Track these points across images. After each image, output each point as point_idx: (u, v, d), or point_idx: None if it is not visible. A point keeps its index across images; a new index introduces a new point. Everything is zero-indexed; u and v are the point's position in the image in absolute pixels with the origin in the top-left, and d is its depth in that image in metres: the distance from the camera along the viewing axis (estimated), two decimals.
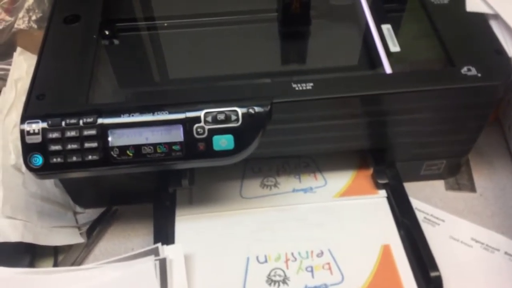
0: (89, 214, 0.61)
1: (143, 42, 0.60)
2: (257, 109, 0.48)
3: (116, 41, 0.58)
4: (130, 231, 0.60)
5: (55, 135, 0.47)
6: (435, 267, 0.51)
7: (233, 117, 0.48)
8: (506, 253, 0.56)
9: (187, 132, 0.48)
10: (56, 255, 0.57)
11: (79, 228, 0.59)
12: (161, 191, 0.57)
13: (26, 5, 0.66)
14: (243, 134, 0.48)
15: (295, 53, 0.59)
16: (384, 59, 0.53)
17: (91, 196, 0.60)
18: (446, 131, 0.55)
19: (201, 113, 0.48)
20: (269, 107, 0.48)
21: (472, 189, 0.62)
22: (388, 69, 0.52)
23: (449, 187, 0.62)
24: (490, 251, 0.56)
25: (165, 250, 0.52)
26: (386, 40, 0.55)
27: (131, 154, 0.48)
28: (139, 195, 0.60)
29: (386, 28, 0.56)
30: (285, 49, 0.59)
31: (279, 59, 0.58)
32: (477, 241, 0.57)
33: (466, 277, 0.54)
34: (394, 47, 0.55)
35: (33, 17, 0.66)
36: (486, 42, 0.53)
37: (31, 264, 0.55)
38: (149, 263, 0.50)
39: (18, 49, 0.65)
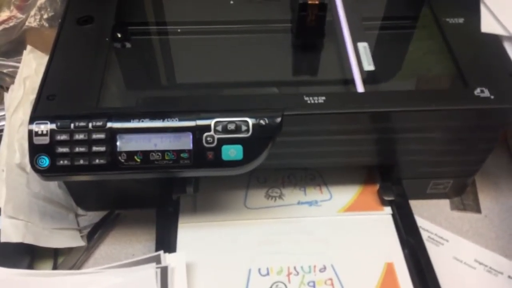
0: (91, 217, 0.60)
1: (155, 47, 0.60)
2: (267, 120, 0.48)
3: (128, 45, 0.58)
4: (132, 236, 0.59)
5: (63, 137, 0.47)
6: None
7: (243, 128, 0.47)
8: (509, 277, 0.55)
9: (197, 140, 0.47)
10: (56, 257, 0.56)
11: (80, 230, 0.59)
12: (165, 197, 0.57)
13: (38, 3, 0.65)
14: (253, 145, 0.48)
15: (308, 65, 0.59)
16: (357, 77, 0.52)
17: (94, 199, 0.60)
18: (455, 151, 0.55)
19: (211, 122, 0.47)
20: (280, 119, 0.48)
21: (477, 210, 0.62)
22: (360, 88, 0.51)
23: (454, 207, 0.62)
24: (493, 274, 0.56)
25: (167, 258, 0.51)
26: (361, 59, 0.55)
27: (139, 160, 0.47)
28: (142, 200, 0.59)
29: (363, 46, 0.56)
30: (298, 61, 0.59)
31: (291, 70, 0.57)
32: (480, 263, 0.57)
33: None
34: (369, 66, 0.54)
35: (45, 16, 0.66)
36: (500, 64, 0.53)
37: (30, 266, 0.55)
38: (150, 270, 0.50)
39: (28, 47, 0.65)
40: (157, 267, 0.50)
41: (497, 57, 0.54)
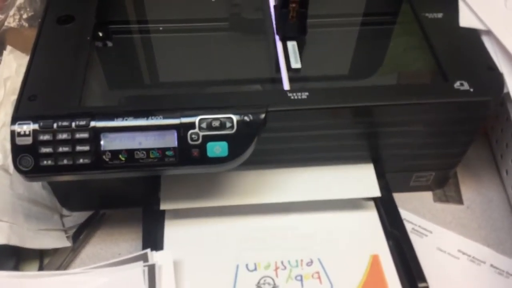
0: (76, 218, 0.60)
1: (137, 45, 0.60)
2: (252, 116, 0.48)
3: (110, 43, 0.58)
4: (118, 235, 0.59)
5: (46, 137, 0.46)
6: (423, 278, 0.51)
7: (228, 124, 0.48)
8: (492, 265, 0.57)
9: (181, 138, 0.47)
10: (41, 259, 0.56)
11: (65, 231, 0.58)
12: (151, 195, 0.57)
13: (17, 3, 0.65)
14: (238, 141, 0.48)
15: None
16: (284, 75, 0.53)
17: (79, 199, 0.59)
18: (437, 144, 0.56)
19: (196, 119, 0.47)
20: (264, 115, 0.48)
21: (460, 201, 0.63)
22: (286, 86, 0.52)
23: (437, 199, 0.63)
24: (476, 263, 0.57)
25: (154, 256, 0.51)
26: (289, 57, 0.55)
27: (123, 159, 0.47)
28: (128, 199, 0.59)
29: (291, 44, 0.56)
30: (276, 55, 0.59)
31: (274, 67, 0.58)
32: (464, 253, 0.58)
33: None
34: (296, 64, 0.55)
35: (24, 16, 0.65)
36: (479, 57, 0.54)
37: (16, 268, 0.54)
38: (138, 269, 0.50)
39: (8, 47, 0.64)
40: (144, 266, 0.50)
41: (475, 50, 0.55)
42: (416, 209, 0.62)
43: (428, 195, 0.63)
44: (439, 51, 0.54)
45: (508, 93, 0.52)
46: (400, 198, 0.60)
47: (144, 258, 0.51)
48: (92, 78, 0.53)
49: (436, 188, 0.64)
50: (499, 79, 0.52)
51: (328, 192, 0.56)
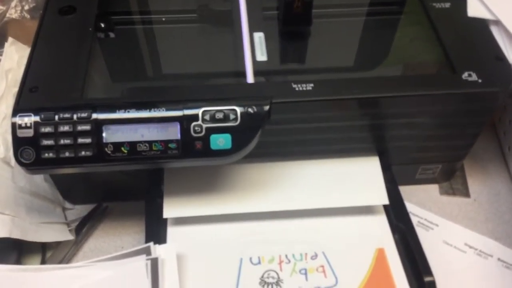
0: (78, 211, 0.60)
1: (140, 36, 0.59)
2: (256, 108, 0.47)
3: (112, 34, 0.57)
4: (121, 228, 0.59)
5: (47, 129, 0.46)
6: (429, 272, 0.51)
7: (232, 116, 0.47)
8: (499, 259, 0.56)
9: (184, 130, 0.47)
10: (44, 252, 0.55)
11: (68, 224, 0.58)
12: (154, 188, 0.56)
13: None
14: (241, 133, 0.47)
15: (295, 53, 0.58)
16: (248, 68, 0.52)
17: (81, 192, 0.59)
18: (444, 136, 0.55)
19: (199, 111, 0.47)
20: (268, 107, 0.47)
21: (466, 194, 0.62)
22: (250, 79, 0.51)
23: (443, 192, 0.62)
24: (483, 257, 0.56)
25: (157, 250, 0.51)
26: (255, 49, 0.54)
27: (125, 151, 0.47)
28: (130, 192, 0.59)
29: (258, 36, 0.55)
30: (285, 49, 0.58)
31: (279, 58, 0.57)
32: (470, 247, 0.57)
33: (459, 282, 0.54)
34: (262, 56, 0.54)
35: (26, 7, 0.64)
36: (487, 48, 0.53)
37: (18, 261, 0.54)
38: (141, 262, 0.49)
39: (10, 39, 0.64)
40: (147, 259, 0.50)
41: (483, 41, 0.54)
42: (422, 202, 0.61)
43: (434, 188, 0.63)
44: (446, 42, 0.53)
45: None
46: (406, 191, 0.59)
47: (147, 251, 0.50)
48: (94, 69, 0.52)
49: (443, 181, 0.63)
50: (507, 69, 0.51)
51: (334, 199, 0.55)
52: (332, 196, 0.55)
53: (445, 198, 0.62)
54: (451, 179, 0.63)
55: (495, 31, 0.55)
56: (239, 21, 0.55)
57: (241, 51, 0.53)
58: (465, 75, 0.50)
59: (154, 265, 0.49)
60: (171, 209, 0.54)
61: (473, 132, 0.56)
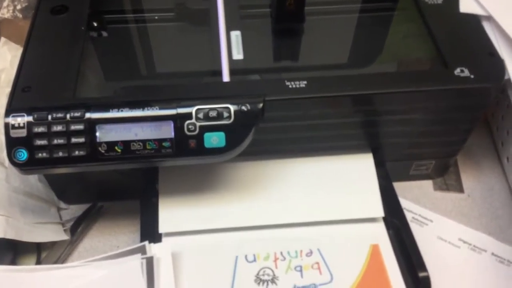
0: (73, 210, 0.59)
1: (132, 35, 0.59)
2: (249, 106, 0.47)
3: (104, 33, 0.57)
4: (116, 228, 0.59)
5: (41, 129, 0.46)
6: (423, 268, 0.51)
7: (225, 114, 0.47)
8: (493, 254, 0.56)
9: (178, 129, 0.47)
10: (39, 252, 0.55)
11: (63, 224, 0.58)
12: (149, 187, 0.56)
13: None
14: (235, 131, 0.47)
15: (288, 50, 0.58)
16: (224, 66, 0.52)
17: (76, 192, 0.59)
18: (437, 132, 0.55)
19: (193, 110, 0.47)
20: (261, 104, 0.47)
21: (460, 189, 0.63)
22: (226, 78, 0.51)
23: (437, 188, 0.63)
24: (477, 252, 0.56)
25: (152, 249, 0.51)
26: (232, 47, 0.54)
27: (119, 150, 0.47)
28: (125, 191, 0.59)
29: (235, 34, 0.55)
30: (278, 46, 0.58)
31: (271, 56, 0.57)
32: (464, 242, 0.57)
33: (453, 277, 0.54)
34: (238, 55, 0.54)
35: (18, 6, 0.64)
36: (479, 43, 0.53)
37: (13, 262, 0.54)
38: (136, 261, 0.49)
39: (2, 39, 0.64)
40: (142, 258, 0.50)
41: (476, 36, 0.54)
42: (416, 198, 0.61)
43: (428, 184, 0.63)
44: (439, 38, 0.54)
45: (509, 80, 0.51)
46: (400, 187, 0.59)
47: (142, 250, 0.50)
48: (87, 68, 0.52)
49: (437, 177, 0.63)
50: (500, 65, 0.51)
51: (329, 212, 0.55)
52: (328, 206, 0.55)
53: (439, 194, 0.62)
54: (445, 175, 0.64)
55: (487, 27, 0.55)
56: (217, 19, 0.55)
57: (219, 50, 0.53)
58: (457, 71, 0.50)
59: (150, 264, 0.49)
60: (166, 221, 0.54)
61: (466, 127, 0.56)
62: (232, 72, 0.51)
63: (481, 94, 0.51)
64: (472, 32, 0.54)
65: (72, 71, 0.50)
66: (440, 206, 0.61)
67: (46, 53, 0.51)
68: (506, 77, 0.51)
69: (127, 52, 0.57)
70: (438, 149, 0.59)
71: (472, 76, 0.50)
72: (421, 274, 0.50)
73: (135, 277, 0.48)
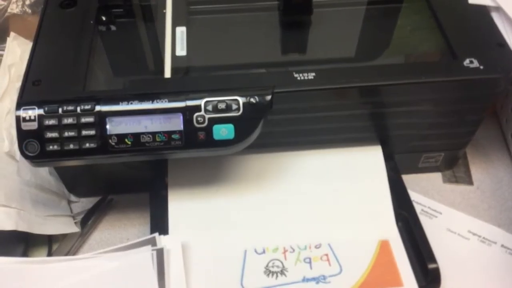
0: (83, 203, 0.60)
1: (141, 29, 0.59)
2: (258, 98, 0.47)
3: (113, 27, 0.57)
4: (126, 220, 0.59)
5: (51, 122, 0.46)
6: (433, 259, 0.51)
7: (234, 106, 0.47)
8: (503, 245, 0.56)
9: (187, 121, 0.47)
10: (50, 245, 0.56)
11: (73, 217, 0.58)
12: (158, 180, 0.56)
13: None
14: (244, 123, 0.47)
15: (296, 42, 0.58)
16: (167, 62, 0.52)
17: (86, 185, 0.59)
18: (446, 123, 0.55)
19: (202, 102, 0.47)
20: (270, 96, 0.48)
21: (469, 182, 0.62)
22: (167, 74, 0.51)
23: (446, 180, 0.63)
24: (487, 244, 0.56)
25: (162, 240, 0.51)
26: (176, 44, 0.54)
27: (129, 143, 0.47)
28: (135, 184, 0.59)
29: (180, 31, 0.55)
30: (286, 38, 0.58)
31: (280, 48, 0.57)
32: (474, 234, 0.57)
33: (463, 269, 0.54)
34: (181, 51, 0.54)
35: (27, 2, 0.65)
36: (488, 34, 0.53)
37: (25, 254, 0.54)
38: (146, 253, 0.50)
39: (12, 34, 0.64)
40: (152, 250, 0.50)
41: (484, 28, 0.54)
42: (425, 190, 0.61)
43: (437, 176, 0.63)
44: (447, 29, 0.53)
45: None
46: (409, 179, 0.59)
47: (152, 242, 0.51)
48: (96, 62, 0.52)
49: (446, 169, 0.63)
50: (509, 56, 0.51)
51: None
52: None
53: (448, 186, 0.62)
54: (454, 167, 0.63)
55: (496, 17, 0.54)
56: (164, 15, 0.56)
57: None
58: (466, 62, 0.50)
59: (160, 255, 0.50)
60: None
61: (475, 119, 0.56)
62: (241, 66, 0.52)
63: (490, 85, 0.51)
64: (481, 23, 0.54)
65: (81, 64, 0.50)
66: (449, 198, 0.61)
67: (56, 46, 0.52)
68: None
69: (135, 45, 0.57)
70: (447, 141, 0.58)
71: (481, 67, 0.50)
72: (431, 266, 0.50)
73: (145, 268, 0.49)
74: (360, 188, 0.56)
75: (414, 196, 0.59)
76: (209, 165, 0.57)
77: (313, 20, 0.57)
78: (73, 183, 0.58)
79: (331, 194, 0.56)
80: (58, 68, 0.50)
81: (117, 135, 0.47)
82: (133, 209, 0.60)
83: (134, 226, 0.59)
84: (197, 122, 0.47)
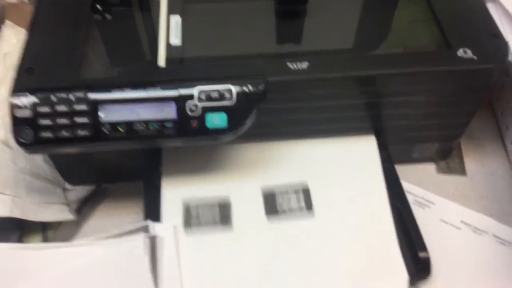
0: (79, 192, 0.60)
1: (136, 17, 0.59)
2: (251, 87, 0.48)
3: (108, 16, 0.57)
4: (121, 209, 0.59)
5: (45, 109, 0.46)
6: (424, 248, 0.51)
7: (227, 95, 0.47)
8: (494, 235, 0.56)
9: (180, 109, 0.47)
10: (44, 232, 0.56)
11: (68, 205, 0.58)
12: (152, 168, 0.57)
13: None
14: (237, 112, 0.47)
15: (291, 32, 0.58)
16: (161, 51, 0.52)
17: (81, 173, 0.59)
18: (440, 114, 0.55)
19: (195, 90, 0.47)
20: (263, 85, 0.48)
21: (463, 172, 0.63)
22: (161, 62, 0.51)
23: (440, 170, 0.63)
24: (478, 234, 0.57)
25: (155, 228, 0.52)
26: (170, 32, 0.54)
27: (122, 131, 0.47)
28: (130, 173, 0.59)
29: (175, 19, 0.55)
30: (281, 27, 0.58)
31: (274, 37, 0.57)
32: (466, 224, 0.57)
33: (455, 259, 0.55)
34: (175, 40, 0.54)
35: None
36: (483, 25, 0.53)
37: (20, 241, 0.55)
38: (139, 240, 0.50)
39: (8, 22, 0.64)
40: (146, 237, 0.50)
41: (480, 18, 0.54)
42: (419, 181, 0.61)
43: (431, 167, 0.63)
44: (442, 18, 0.53)
45: None
46: (402, 169, 0.59)
47: (145, 229, 0.51)
48: (91, 50, 0.52)
49: (440, 160, 0.63)
50: (503, 46, 0.51)
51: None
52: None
53: (442, 176, 0.62)
54: (448, 158, 0.64)
55: (491, 8, 0.54)
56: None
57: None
58: (460, 52, 0.50)
59: (153, 243, 0.50)
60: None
61: (469, 110, 0.56)
62: (235, 54, 0.52)
63: (484, 75, 0.51)
64: (476, 13, 0.54)
65: (75, 52, 0.50)
66: (443, 189, 0.61)
67: (51, 34, 0.52)
68: (510, 59, 0.51)
69: (130, 34, 0.57)
70: (441, 132, 0.59)
71: (475, 57, 0.50)
72: (422, 255, 0.51)
73: (138, 255, 0.49)
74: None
75: (407, 186, 0.60)
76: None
77: (308, 9, 0.57)
78: (68, 171, 0.58)
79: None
80: (52, 56, 0.50)
81: (110, 123, 0.47)
82: (128, 198, 0.60)
83: (129, 215, 0.59)
84: (190, 110, 0.47)
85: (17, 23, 0.65)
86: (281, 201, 0.55)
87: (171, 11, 0.56)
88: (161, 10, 0.55)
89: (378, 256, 0.52)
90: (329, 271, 0.51)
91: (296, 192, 0.55)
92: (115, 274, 0.49)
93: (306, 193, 0.55)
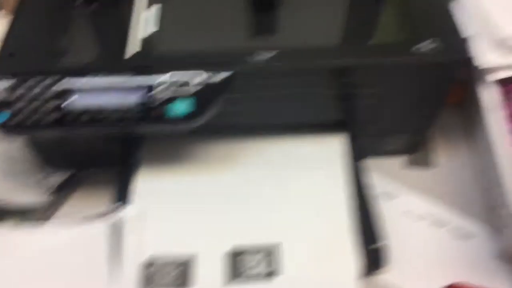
0: (55, 177, 0.61)
1: (120, 9, 0.59)
2: (216, 76, 0.49)
3: (93, 6, 0.58)
4: (95, 196, 0.60)
5: (18, 93, 0.49)
6: (376, 240, 0.52)
7: (192, 83, 0.49)
8: (455, 227, 0.57)
9: (144, 97, 0.49)
10: (19, 215, 0.58)
11: (44, 189, 0.60)
12: (124, 153, 0.59)
13: None
14: (201, 100, 0.49)
15: (261, 21, 0.59)
16: (131, 41, 0.54)
17: (57, 159, 0.61)
18: (406, 107, 0.56)
19: (159, 79, 0.49)
20: (228, 74, 0.49)
21: (430, 165, 0.63)
22: (130, 52, 0.53)
23: (406, 163, 0.63)
24: (440, 226, 0.58)
25: (121, 212, 0.53)
26: (143, 23, 0.56)
27: (88, 117, 0.49)
28: (106, 159, 0.60)
29: (151, 11, 0.57)
30: (250, 17, 0.59)
31: (242, 27, 0.58)
32: (429, 216, 0.58)
33: (416, 250, 0.56)
34: (146, 30, 0.55)
35: None
36: (446, 19, 0.53)
37: None
38: (101, 224, 0.52)
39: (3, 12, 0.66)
40: (109, 221, 0.52)
41: (443, 12, 0.54)
42: (386, 174, 0.62)
43: (399, 160, 0.64)
44: (406, 11, 0.54)
45: (475, 58, 0.52)
46: (369, 162, 0.60)
47: (110, 213, 0.53)
48: (71, 38, 0.54)
49: (407, 153, 0.64)
50: (465, 41, 0.52)
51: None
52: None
53: (408, 169, 0.63)
54: (417, 151, 0.64)
55: (459, 3, 0.55)
56: None
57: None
58: (424, 45, 0.51)
59: (117, 227, 0.52)
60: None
61: (434, 103, 0.56)
62: (203, 46, 0.53)
63: (447, 68, 0.52)
64: (439, 7, 0.55)
65: (56, 39, 0.52)
66: (408, 182, 0.61)
67: (34, 21, 0.54)
68: (472, 54, 0.52)
69: (111, 25, 0.58)
70: (408, 125, 0.59)
71: (438, 50, 0.50)
72: (373, 246, 0.51)
73: (100, 239, 0.51)
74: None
75: (372, 178, 0.60)
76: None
77: (284, 1, 0.58)
78: (44, 156, 0.60)
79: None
80: (33, 42, 0.52)
81: (79, 108, 0.49)
82: (103, 185, 0.61)
83: (103, 202, 0.59)
84: (154, 98, 0.49)
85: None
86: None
87: (151, 2, 0.58)
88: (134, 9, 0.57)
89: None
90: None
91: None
92: (76, 256, 0.51)
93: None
